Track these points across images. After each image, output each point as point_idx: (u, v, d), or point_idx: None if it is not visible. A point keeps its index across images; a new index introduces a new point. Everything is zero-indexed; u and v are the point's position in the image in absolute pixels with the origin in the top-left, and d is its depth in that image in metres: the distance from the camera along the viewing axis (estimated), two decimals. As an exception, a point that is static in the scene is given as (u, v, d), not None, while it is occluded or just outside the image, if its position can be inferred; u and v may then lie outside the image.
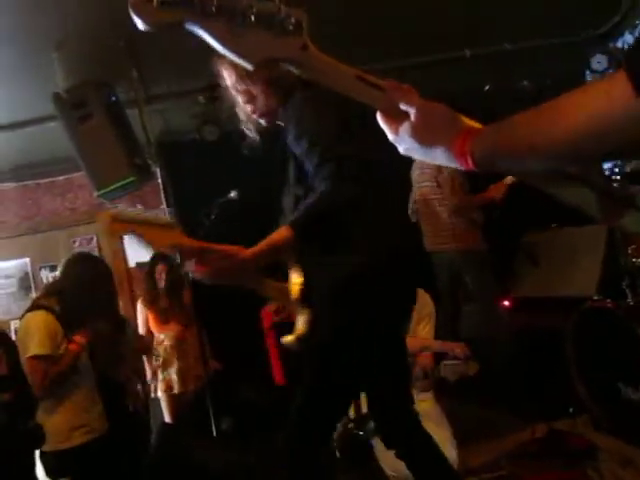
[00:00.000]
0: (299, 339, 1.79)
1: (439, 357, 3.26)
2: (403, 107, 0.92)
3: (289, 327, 2.09)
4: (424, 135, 0.90)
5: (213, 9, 0.80)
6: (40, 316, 2.75)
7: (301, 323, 1.80)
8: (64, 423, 2.78)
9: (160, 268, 4.10)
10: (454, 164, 0.89)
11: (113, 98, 3.90)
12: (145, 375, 4.05)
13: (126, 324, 3.75)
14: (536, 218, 4.06)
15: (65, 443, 2.77)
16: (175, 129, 4.70)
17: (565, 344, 3.39)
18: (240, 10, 0.81)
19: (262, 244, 1.61)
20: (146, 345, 4.04)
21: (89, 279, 2.84)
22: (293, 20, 0.84)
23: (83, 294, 2.78)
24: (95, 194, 3.83)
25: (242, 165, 4.47)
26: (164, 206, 4.79)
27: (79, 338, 2.76)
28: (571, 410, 3.41)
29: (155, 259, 4.17)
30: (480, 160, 0.86)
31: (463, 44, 4.37)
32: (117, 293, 3.23)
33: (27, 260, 4.80)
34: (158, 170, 4.69)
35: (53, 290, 2.90)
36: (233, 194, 3.50)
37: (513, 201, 3.80)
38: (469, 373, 3.03)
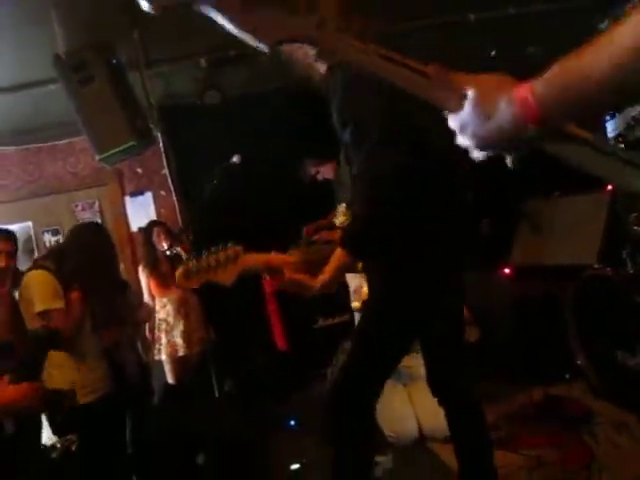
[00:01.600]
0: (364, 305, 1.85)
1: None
2: (453, 88, 0.88)
3: (290, 294, 2.14)
4: (486, 101, 0.86)
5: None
6: (40, 274, 2.81)
7: (366, 290, 1.89)
8: (70, 383, 2.83)
9: (157, 231, 4.12)
10: (516, 120, 0.84)
11: (114, 61, 3.85)
12: (146, 338, 4.10)
13: (128, 288, 3.78)
14: (539, 186, 4.05)
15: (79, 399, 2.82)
16: (177, 93, 4.65)
17: (564, 311, 3.42)
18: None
19: (327, 275, 1.72)
20: (148, 311, 4.08)
21: (90, 244, 2.90)
22: None
23: (83, 257, 2.83)
24: (97, 158, 3.81)
25: (243, 129, 4.48)
26: (165, 170, 4.77)
27: (75, 294, 2.81)
28: (567, 376, 3.47)
29: (151, 223, 4.18)
30: (543, 101, 0.82)
31: (467, 8, 4.30)
32: (118, 258, 3.26)
33: (30, 224, 4.81)
34: (159, 134, 4.66)
35: (54, 253, 2.94)
36: (235, 159, 3.49)
37: (516, 169, 3.78)
38: (470, 339, 3.06)
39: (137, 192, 4.91)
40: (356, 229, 1.74)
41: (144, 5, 0.79)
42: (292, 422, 3.61)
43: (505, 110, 0.84)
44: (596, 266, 3.36)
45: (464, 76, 0.88)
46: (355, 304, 1.98)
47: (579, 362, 3.31)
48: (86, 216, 4.82)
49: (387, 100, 1.57)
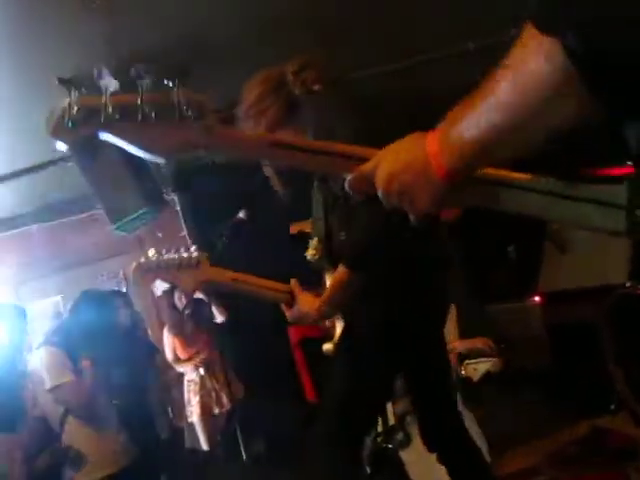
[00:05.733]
0: (337, 345, 1.85)
1: (461, 359, 3.16)
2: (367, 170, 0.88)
3: (318, 342, 2.08)
4: (400, 172, 0.84)
5: (116, 115, 0.85)
6: (47, 350, 2.86)
7: (339, 331, 1.86)
8: (88, 456, 2.80)
9: (179, 294, 4.13)
10: (436, 181, 0.82)
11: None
12: (174, 403, 4.07)
13: (156, 352, 3.79)
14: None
15: (89, 475, 2.78)
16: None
17: (599, 335, 3.21)
18: (139, 109, 0.85)
19: (325, 294, 1.72)
20: (175, 375, 4.07)
21: (92, 311, 2.93)
22: (194, 105, 0.86)
23: (87, 325, 2.85)
24: (111, 228, 3.88)
25: (252, 181, 4.49)
26: (184, 232, 4.83)
27: (85, 363, 2.82)
28: (612, 407, 3.23)
29: (172, 286, 4.20)
30: (452, 159, 0.80)
31: (466, 38, 4.28)
32: (130, 328, 3.29)
33: (59, 299, 4.92)
34: (175, 197, 4.74)
35: (61, 326, 2.98)
36: (242, 214, 3.49)
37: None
38: (493, 370, 2.90)
39: (159, 256, 4.96)
40: (358, 242, 1.68)
41: (62, 147, 0.90)
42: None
43: (424, 176, 0.83)
44: (628, 284, 3.16)
45: (374, 151, 0.89)
46: (327, 346, 1.92)
47: (618, 389, 3.07)
48: (111, 285, 4.89)
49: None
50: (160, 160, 0.89)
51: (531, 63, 0.67)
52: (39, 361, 2.83)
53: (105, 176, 3.82)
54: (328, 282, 1.86)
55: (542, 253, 4.12)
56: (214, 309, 4.16)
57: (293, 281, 1.82)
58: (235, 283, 1.74)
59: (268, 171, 1.93)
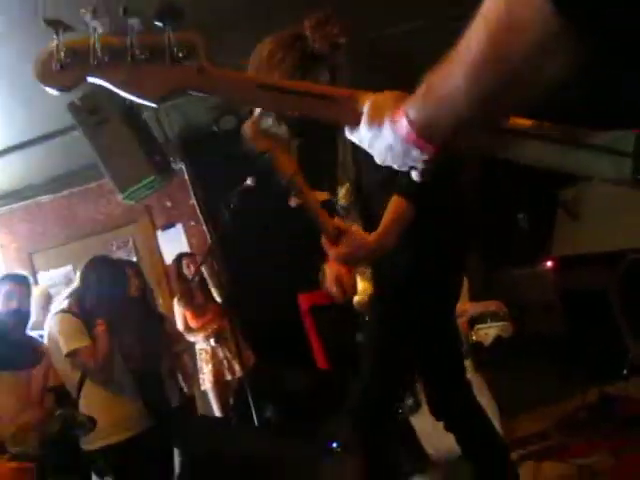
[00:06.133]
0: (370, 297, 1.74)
1: (472, 323, 3.15)
2: (354, 106, 0.87)
3: (327, 310, 2.03)
4: (375, 119, 0.84)
5: (105, 58, 0.81)
6: (61, 317, 2.88)
7: (363, 285, 1.77)
8: (105, 421, 2.84)
9: (187, 262, 4.14)
10: (399, 141, 0.82)
11: (127, 100, 3.92)
12: (185, 371, 4.11)
13: (164, 320, 3.81)
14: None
15: (106, 440, 2.82)
16: (195, 124, 4.69)
17: (612, 300, 3.18)
18: (129, 50, 0.82)
19: (382, 227, 1.59)
20: (185, 344, 4.10)
21: (103, 276, 2.95)
22: (185, 46, 0.83)
23: (100, 290, 2.88)
24: (119, 197, 3.88)
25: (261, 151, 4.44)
26: (193, 201, 4.82)
27: (100, 328, 2.84)
28: (625, 372, 3.21)
29: (179, 256, 4.21)
30: (418, 122, 0.78)
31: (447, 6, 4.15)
32: (138, 294, 3.30)
33: (70, 267, 4.95)
34: (183, 166, 4.71)
35: (74, 293, 3.00)
36: (249, 181, 3.45)
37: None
38: (503, 335, 2.88)
39: (168, 225, 4.98)
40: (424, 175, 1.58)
41: (52, 91, 0.85)
42: (334, 444, 3.50)
43: (389, 132, 0.83)
44: (642, 249, 3.11)
45: (364, 94, 0.88)
46: (358, 299, 1.83)
47: (631, 355, 3.05)
48: (121, 254, 4.91)
49: None
50: (150, 103, 0.84)
51: (514, 13, 0.60)
52: (55, 328, 2.85)
53: (113, 145, 3.80)
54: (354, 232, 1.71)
55: (554, 221, 4.06)
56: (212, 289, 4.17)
57: (337, 218, 1.64)
58: (295, 176, 1.44)
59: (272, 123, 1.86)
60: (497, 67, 0.66)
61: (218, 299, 4.22)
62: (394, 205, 1.59)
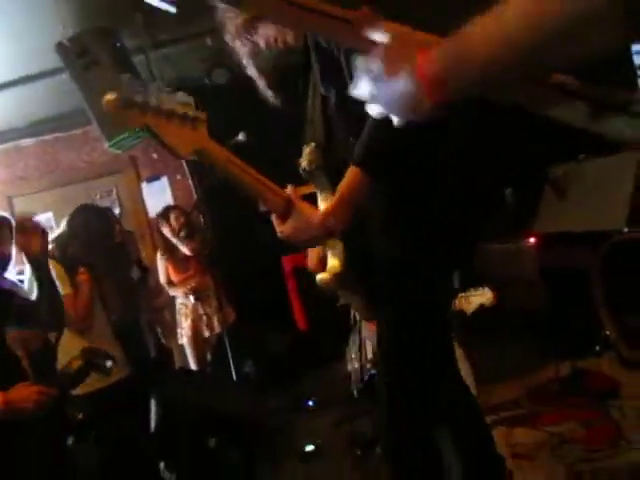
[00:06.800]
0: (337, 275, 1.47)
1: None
2: (375, 37, 0.84)
3: (310, 272, 1.94)
4: (393, 61, 0.81)
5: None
6: None
7: (333, 260, 1.51)
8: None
9: (174, 216, 4.09)
10: (414, 92, 0.79)
11: (118, 44, 3.80)
12: (164, 323, 4.10)
13: (147, 272, 3.78)
14: (563, 149, 3.83)
15: (83, 387, 2.82)
16: (186, 75, 4.58)
17: (592, 279, 3.24)
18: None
19: (334, 201, 1.40)
20: (166, 298, 4.09)
21: (89, 225, 2.90)
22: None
23: (84, 238, 2.85)
24: (105, 145, 3.79)
25: (252, 106, 4.37)
26: (180, 154, 4.73)
27: (82, 276, 2.81)
28: (597, 348, 3.30)
29: (166, 209, 4.16)
30: (443, 73, 0.76)
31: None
32: (125, 239, 3.26)
33: (50, 214, 4.86)
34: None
35: (57, 239, 2.95)
36: (241, 136, 3.41)
37: (538, 133, 3.58)
38: (486, 303, 2.91)
39: (153, 177, 4.90)
40: (379, 142, 1.36)
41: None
42: (310, 402, 3.56)
43: (405, 79, 0.80)
44: (625, 230, 3.16)
45: (389, 24, 0.85)
46: (323, 276, 1.57)
47: (607, 332, 3.13)
48: (104, 204, 4.83)
49: None
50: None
51: None
52: None
53: (99, 90, 3.70)
54: (322, 201, 1.56)
55: (540, 198, 4.09)
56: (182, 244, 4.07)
57: (291, 187, 1.45)
58: (229, 164, 1.32)
59: (253, 72, 1.70)
60: (544, 38, 0.66)
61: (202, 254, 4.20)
62: (348, 178, 1.41)
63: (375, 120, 1.14)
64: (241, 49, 1.72)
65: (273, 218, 1.46)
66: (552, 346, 3.38)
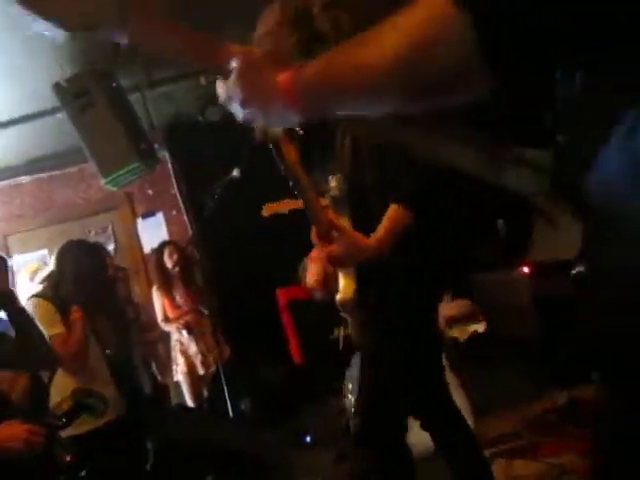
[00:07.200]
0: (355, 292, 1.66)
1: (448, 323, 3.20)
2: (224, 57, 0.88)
3: (305, 306, 1.95)
4: (247, 83, 0.85)
5: None
6: (35, 302, 2.84)
7: (345, 283, 1.69)
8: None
9: (169, 251, 4.11)
10: (279, 106, 0.83)
11: (114, 84, 3.88)
12: (159, 360, 4.09)
13: (138, 308, 3.79)
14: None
15: (77, 428, 2.79)
16: (183, 112, 4.66)
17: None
18: None
19: (383, 233, 1.57)
20: (159, 333, 4.08)
21: (81, 261, 2.91)
22: None
23: (77, 276, 2.84)
24: (102, 182, 3.84)
25: (244, 142, 4.44)
26: (175, 190, 4.79)
27: (76, 314, 2.81)
28: (593, 377, 3.29)
29: (161, 244, 4.19)
30: (304, 89, 0.79)
31: None
32: (113, 280, 3.27)
33: (45, 251, 4.87)
34: (167, 154, 4.68)
35: (50, 277, 2.96)
36: (235, 172, 3.44)
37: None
38: (478, 330, 2.92)
39: (148, 213, 4.93)
40: (422, 185, 1.57)
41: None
42: (307, 438, 3.53)
43: (270, 93, 0.83)
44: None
45: (237, 47, 0.89)
46: (343, 296, 1.73)
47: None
48: (100, 240, 4.84)
49: None
50: (67, 31, 0.79)
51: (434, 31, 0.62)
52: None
53: (97, 129, 3.76)
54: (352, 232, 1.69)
55: (532, 227, 4.14)
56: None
57: (333, 212, 1.61)
58: (296, 166, 1.39)
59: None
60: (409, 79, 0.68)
61: (197, 290, 4.21)
62: (394, 213, 1.59)
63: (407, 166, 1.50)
64: None
65: (313, 236, 1.58)
66: (547, 375, 3.38)
